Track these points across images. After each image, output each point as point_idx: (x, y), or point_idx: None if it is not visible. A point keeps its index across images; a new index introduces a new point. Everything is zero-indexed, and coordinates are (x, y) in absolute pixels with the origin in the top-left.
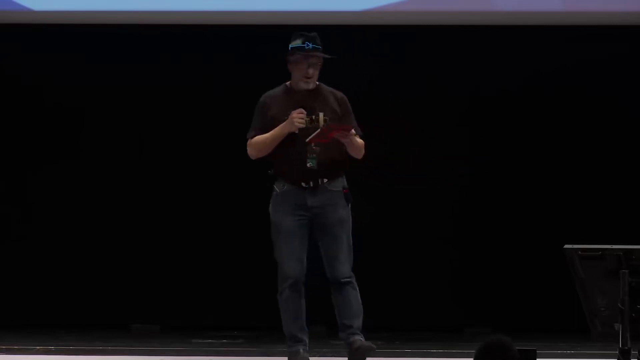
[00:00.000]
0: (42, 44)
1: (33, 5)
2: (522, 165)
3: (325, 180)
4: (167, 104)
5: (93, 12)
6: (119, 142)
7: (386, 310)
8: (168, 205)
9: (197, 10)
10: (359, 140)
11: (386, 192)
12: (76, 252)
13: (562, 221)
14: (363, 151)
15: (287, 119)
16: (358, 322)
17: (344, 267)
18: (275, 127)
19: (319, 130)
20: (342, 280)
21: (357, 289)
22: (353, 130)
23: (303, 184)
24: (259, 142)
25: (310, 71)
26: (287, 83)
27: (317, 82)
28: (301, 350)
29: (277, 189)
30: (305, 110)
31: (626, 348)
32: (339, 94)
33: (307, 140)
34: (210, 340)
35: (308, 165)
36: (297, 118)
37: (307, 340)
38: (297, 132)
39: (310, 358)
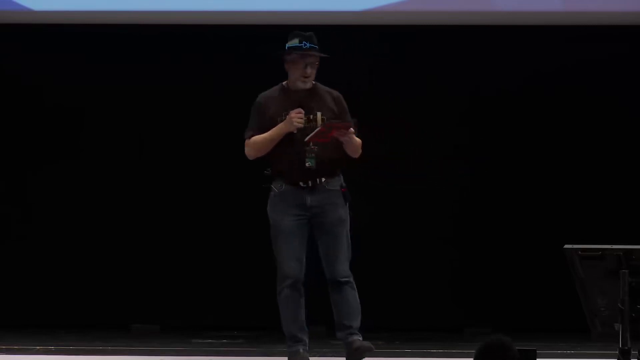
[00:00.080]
0: (42, 44)
1: (33, 5)
2: (522, 165)
3: (324, 179)
4: (167, 104)
5: (93, 12)
6: (119, 142)
7: (386, 310)
8: (168, 205)
9: (197, 10)
10: (357, 139)
11: (386, 192)
12: (76, 252)
13: (562, 221)
14: (360, 150)
15: (284, 119)
16: (357, 322)
17: (344, 266)
18: (273, 127)
19: (318, 128)
20: (342, 279)
21: (356, 288)
22: (352, 129)
23: (301, 184)
24: (258, 142)
25: (308, 70)
26: (284, 83)
27: (314, 82)
28: (301, 350)
29: (275, 189)
30: (303, 110)
31: (626, 348)
32: (335, 93)
33: (306, 139)
34: (210, 340)
35: (307, 164)
36: (296, 118)
37: (307, 340)
38: (295, 132)
39: (310, 358)
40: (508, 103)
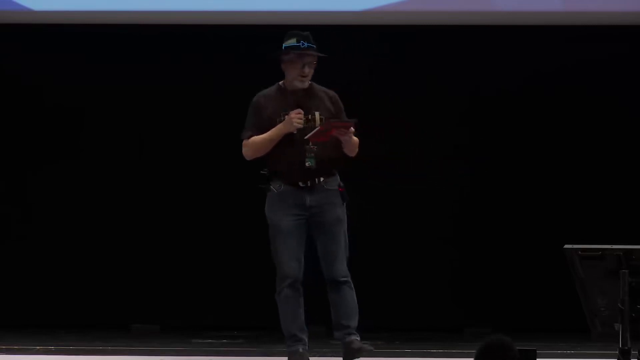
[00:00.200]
0: (42, 44)
1: (33, 5)
2: (522, 165)
3: (322, 179)
4: (167, 104)
5: (93, 12)
6: (119, 142)
7: (386, 310)
8: (168, 205)
9: (197, 10)
10: (355, 138)
11: (386, 192)
12: (76, 252)
13: (562, 221)
14: (357, 149)
15: (283, 119)
16: (355, 322)
17: (342, 266)
18: (272, 127)
19: (319, 127)
20: (340, 279)
21: (353, 288)
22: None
23: (301, 184)
24: (257, 142)
25: (306, 70)
26: (280, 83)
27: (310, 81)
28: (301, 350)
29: (274, 189)
30: (302, 110)
31: (626, 348)
32: (331, 92)
33: (307, 137)
34: (210, 340)
35: (307, 164)
36: (296, 118)
37: (306, 340)
38: (295, 132)
39: (310, 358)
40: (508, 103)
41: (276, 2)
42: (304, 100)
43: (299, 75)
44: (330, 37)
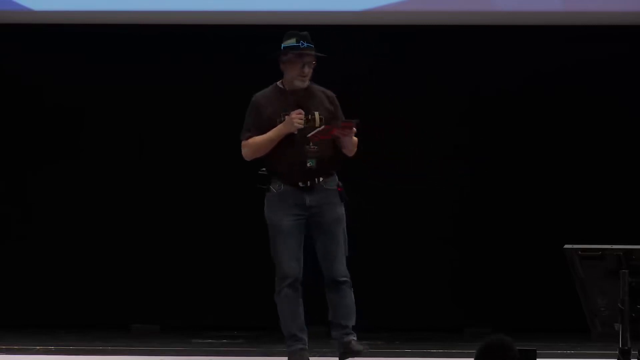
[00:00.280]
0: (42, 44)
1: (33, 5)
2: (522, 165)
3: (322, 179)
4: (167, 104)
5: (93, 12)
6: (119, 142)
7: (386, 310)
8: (168, 205)
9: (197, 10)
10: (354, 138)
11: (386, 192)
12: (76, 252)
13: (562, 221)
14: (355, 149)
15: (283, 119)
16: (353, 322)
17: (342, 266)
18: (272, 127)
19: (322, 127)
20: (340, 279)
21: (352, 288)
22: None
23: (301, 184)
24: (257, 143)
25: (306, 70)
26: (278, 83)
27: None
28: (301, 349)
29: (273, 189)
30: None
31: (626, 348)
32: (329, 92)
33: (309, 135)
34: (210, 340)
35: (308, 165)
36: (297, 119)
37: (306, 339)
38: (295, 132)
39: (309, 358)
40: (508, 103)
41: (276, 2)
42: (303, 100)
43: (299, 75)
44: (330, 37)
